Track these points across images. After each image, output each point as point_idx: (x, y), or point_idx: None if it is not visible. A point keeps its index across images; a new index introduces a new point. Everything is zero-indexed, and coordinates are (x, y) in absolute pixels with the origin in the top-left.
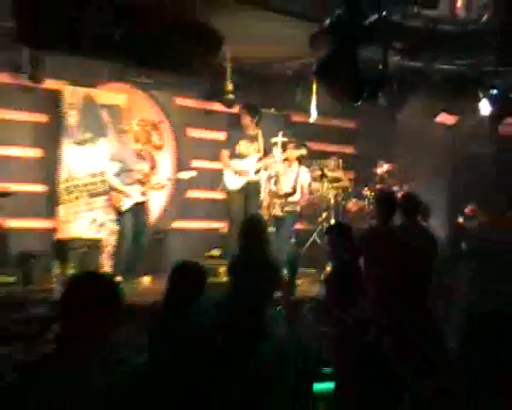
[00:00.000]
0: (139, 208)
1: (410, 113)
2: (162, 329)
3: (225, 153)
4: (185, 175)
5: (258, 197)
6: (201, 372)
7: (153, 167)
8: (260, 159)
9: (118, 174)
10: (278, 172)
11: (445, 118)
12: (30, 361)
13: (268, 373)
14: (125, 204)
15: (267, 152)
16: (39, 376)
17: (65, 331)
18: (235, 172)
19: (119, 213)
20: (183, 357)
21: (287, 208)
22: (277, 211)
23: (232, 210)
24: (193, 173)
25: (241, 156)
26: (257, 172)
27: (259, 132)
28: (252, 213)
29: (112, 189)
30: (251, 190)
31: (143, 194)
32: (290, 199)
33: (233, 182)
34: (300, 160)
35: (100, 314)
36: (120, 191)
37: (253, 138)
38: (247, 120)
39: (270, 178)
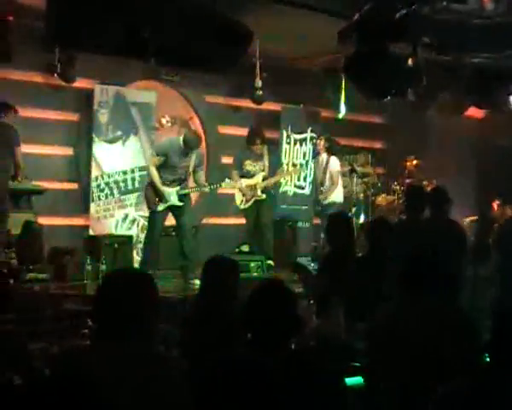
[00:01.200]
0: (180, 209)
1: (438, 107)
2: (198, 323)
3: (236, 173)
4: (228, 186)
5: (270, 212)
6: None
7: (199, 165)
8: (266, 177)
9: (159, 169)
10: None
11: (473, 112)
12: (68, 355)
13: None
14: (160, 204)
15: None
16: (78, 369)
17: (102, 326)
18: (243, 193)
19: (150, 212)
20: (220, 350)
21: (328, 200)
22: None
23: (248, 228)
24: (238, 185)
25: (248, 175)
26: (263, 190)
27: (265, 151)
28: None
29: (150, 184)
30: (260, 206)
31: (181, 199)
32: (323, 189)
33: (241, 201)
34: (329, 150)
35: (136, 309)
36: (158, 189)
37: (259, 157)
38: (256, 143)
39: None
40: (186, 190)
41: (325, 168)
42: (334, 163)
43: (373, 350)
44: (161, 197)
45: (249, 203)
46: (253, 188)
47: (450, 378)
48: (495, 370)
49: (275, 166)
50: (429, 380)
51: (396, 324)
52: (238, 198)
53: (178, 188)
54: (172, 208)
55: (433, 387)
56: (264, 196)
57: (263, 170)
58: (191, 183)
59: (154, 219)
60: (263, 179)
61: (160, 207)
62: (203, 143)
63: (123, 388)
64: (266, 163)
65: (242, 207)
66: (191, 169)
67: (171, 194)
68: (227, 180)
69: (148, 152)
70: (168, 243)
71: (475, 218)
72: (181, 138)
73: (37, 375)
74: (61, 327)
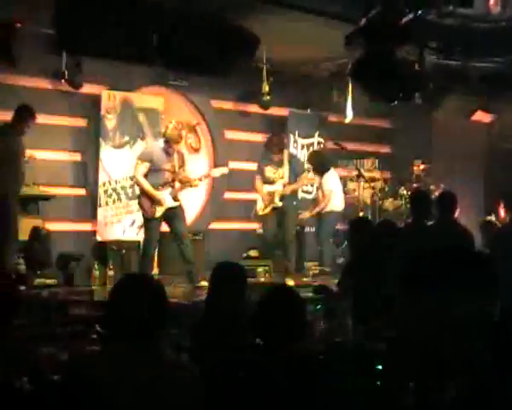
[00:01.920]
0: (172, 214)
1: (445, 112)
2: (207, 328)
3: (259, 179)
4: (217, 172)
5: (289, 220)
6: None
7: (181, 166)
8: (285, 185)
9: (147, 175)
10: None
11: (480, 116)
12: (78, 360)
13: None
14: (158, 210)
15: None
16: (89, 374)
17: (113, 331)
18: (264, 199)
19: (148, 220)
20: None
21: (326, 209)
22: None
23: (265, 235)
24: (224, 170)
25: (268, 182)
26: (281, 198)
27: (285, 158)
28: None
29: (142, 193)
30: (280, 214)
31: (175, 198)
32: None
33: (261, 207)
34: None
35: (147, 314)
36: (151, 196)
37: (279, 164)
38: (274, 151)
39: None
40: (177, 190)
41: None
42: (326, 181)
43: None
44: (157, 203)
45: (267, 210)
46: (271, 195)
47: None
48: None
49: (296, 174)
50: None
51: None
52: (259, 204)
53: (170, 189)
54: (166, 215)
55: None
56: (280, 203)
57: (282, 177)
58: (177, 184)
59: (151, 226)
60: (283, 187)
61: (158, 213)
62: (210, 149)
63: (133, 392)
64: (286, 171)
65: (261, 213)
66: (176, 169)
67: (166, 197)
68: (214, 170)
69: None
70: (175, 248)
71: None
72: (160, 141)
73: (45, 380)
74: (69, 333)
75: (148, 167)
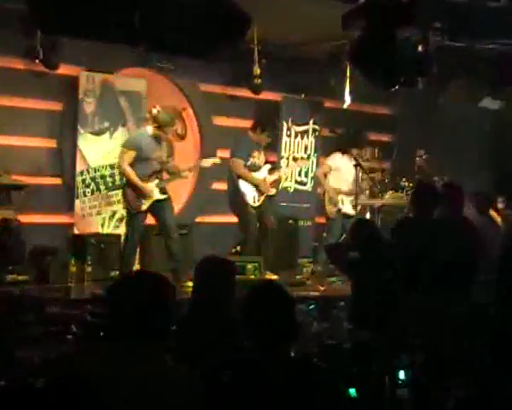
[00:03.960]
0: (160, 205)
1: (451, 98)
2: (192, 328)
3: (240, 163)
4: (207, 163)
5: (272, 213)
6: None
7: (170, 155)
8: (272, 170)
9: (132, 164)
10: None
11: (489, 103)
12: (74, 357)
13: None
14: (144, 203)
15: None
16: (85, 371)
17: (114, 329)
18: (256, 187)
19: (132, 214)
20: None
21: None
22: (348, 209)
23: (251, 230)
24: (216, 160)
25: (254, 169)
26: (272, 184)
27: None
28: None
29: (127, 184)
30: (266, 205)
31: (163, 191)
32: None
33: (255, 197)
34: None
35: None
36: (138, 187)
37: (262, 149)
38: (260, 137)
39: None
40: (165, 182)
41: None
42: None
43: None
44: (143, 195)
45: (261, 201)
46: (263, 183)
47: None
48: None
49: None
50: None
51: None
52: (251, 195)
53: (157, 181)
54: (153, 206)
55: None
56: (274, 191)
57: (266, 163)
58: (165, 175)
59: (135, 220)
60: (269, 172)
61: (145, 206)
62: (197, 137)
63: (130, 393)
64: (263, 156)
65: (256, 205)
66: (164, 159)
67: (153, 189)
68: (204, 160)
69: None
70: (158, 244)
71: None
72: (147, 128)
73: (20, 383)
74: (43, 333)
75: (135, 156)
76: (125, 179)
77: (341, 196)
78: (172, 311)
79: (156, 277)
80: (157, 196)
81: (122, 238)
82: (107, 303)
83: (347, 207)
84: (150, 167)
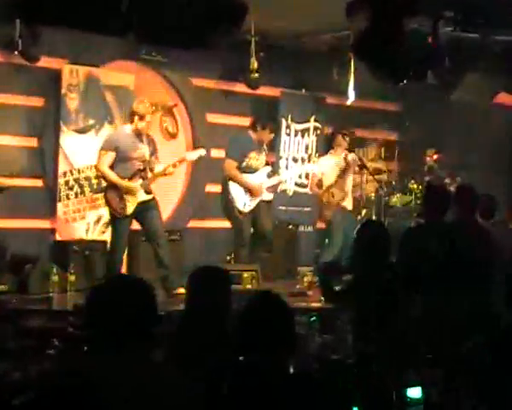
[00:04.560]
0: (145, 208)
1: (463, 93)
2: (184, 341)
3: (233, 164)
4: (193, 155)
5: (268, 219)
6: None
7: (152, 153)
8: (272, 173)
9: (112, 166)
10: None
11: (504, 98)
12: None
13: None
14: (128, 206)
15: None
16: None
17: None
18: (248, 190)
19: (116, 218)
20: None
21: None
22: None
23: (243, 236)
24: (201, 152)
25: (249, 171)
26: (269, 188)
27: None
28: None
29: (108, 187)
30: (261, 210)
31: (148, 190)
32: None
33: (245, 202)
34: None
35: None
36: (120, 187)
37: (262, 149)
38: (262, 134)
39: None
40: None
41: None
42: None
43: None
44: (127, 196)
45: (253, 206)
46: (257, 187)
47: None
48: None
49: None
50: None
51: None
52: (241, 199)
53: (141, 181)
54: (138, 210)
55: None
56: (271, 196)
57: (266, 164)
58: (148, 173)
59: (120, 225)
60: (268, 176)
61: (129, 210)
62: (189, 135)
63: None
64: (264, 157)
65: (246, 210)
66: (147, 157)
67: (137, 188)
68: (189, 153)
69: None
70: (147, 250)
71: None
72: (125, 127)
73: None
74: (23, 347)
75: (114, 157)
76: (105, 183)
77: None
78: (152, 314)
79: (132, 280)
80: (141, 196)
81: (108, 245)
82: (85, 312)
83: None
84: (131, 168)
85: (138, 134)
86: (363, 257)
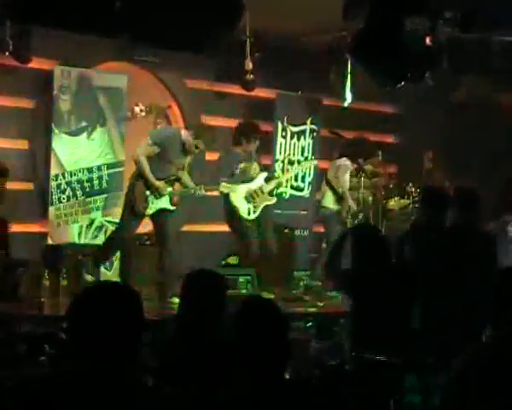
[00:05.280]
0: (165, 216)
1: (462, 95)
2: (178, 348)
3: (225, 184)
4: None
5: (271, 222)
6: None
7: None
8: (269, 178)
9: (150, 161)
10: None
11: (505, 100)
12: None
13: None
14: (150, 207)
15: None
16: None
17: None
18: (249, 199)
19: (132, 213)
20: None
21: None
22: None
23: (250, 243)
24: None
25: (247, 180)
26: (270, 192)
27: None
28: None
29: (137, 179)
30: (265, 215)
31: (173, 202)
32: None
33: (249, 210)
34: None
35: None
36: (151, 184)
37: (251, 155)
38: (251, 140)
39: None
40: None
41: None
42: None
43: None
44: (152, 198)
45: (258, 212)
46: (258, 193)
47: None
48: None
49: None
50: None
51: None
52: (244, 208)
53: (171, 189)
54: (156, 213)
55: None
56: (274, 199)
57: (262, 170)
58: (177, 186)
59: (134, 220)
60: (266, 180)
61: (150, 211)
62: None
63: None
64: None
65: (252, 217)
66: (185, 169)
67: (165, 193)
68: (223, 183)
69: (119, 145)
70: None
71: None
72: (182, 131)
73: None
74: (14, 354)
75: (155, 153)
76: (136, 172)
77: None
78: (138, 321)
79: (117, 286)
80: (165, 203)
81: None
82: (68, 317)
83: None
84: (168, 171)
85: (188, 145)
86: (362, 256)
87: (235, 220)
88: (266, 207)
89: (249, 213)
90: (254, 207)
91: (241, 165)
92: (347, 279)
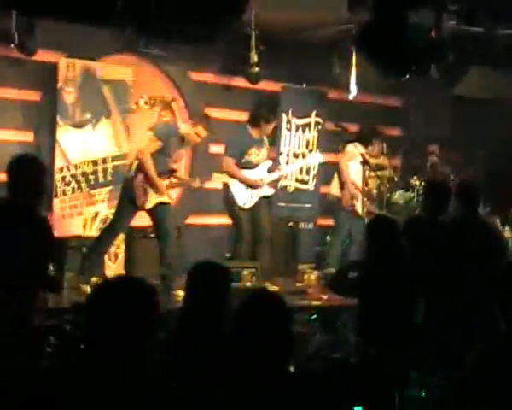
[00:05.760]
0: (161, 210)
1: (468, 87)
2: (182, 341)
3: (231, 161)
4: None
5: (268, 216)
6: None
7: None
8: (272, 168)
9: (152, 156)
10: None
11: (509, 93)
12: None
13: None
14: (150, 201)
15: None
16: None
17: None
18: (248, 186)
19: (131, 205)
20: (213, 366)
21: None
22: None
23: (243, 233)
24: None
25: (249, 166)
26: (271, 183)
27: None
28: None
29: (139, 173)
30: (261, 207)
31: (168, 195)
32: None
33: (246, 198)
34: None
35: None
36: (152, 182)
37: (261, 144)
38: (267, 128)
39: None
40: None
41: None
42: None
43: None
44: (152, 193)
45: (253, 203)
46: (258, 182)
47: None
48: None
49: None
50: None
51: None
52: (241, 196)
53: (168, 182)
54: (154, 208)
55: None
56: (272, 191)
57: (268, 158)
58: (173, 179)
59: (131, 212)
60: (268, 171)
61: (149, 205)
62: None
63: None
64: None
65: (247, 206)
66: (182, 162)
67: (164, 189)
68: (215, 174)
69: (123, 138)
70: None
71: None
72: (182, 125)
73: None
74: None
75: (158, 148)
76: (139, 168)
77: (357, 192)
78: (156, 321)
79: (137, 281)
80: (163, 197)
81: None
82: (85, 311)
83: (358, 205)
84: (166, 165)
85: (187, 140)
86: (376, 247)
87: (230, 207)
88: (263, 198)
89: (244, 203)
90: (251, 197)
91: (251, 150)
92: (354, 286)
